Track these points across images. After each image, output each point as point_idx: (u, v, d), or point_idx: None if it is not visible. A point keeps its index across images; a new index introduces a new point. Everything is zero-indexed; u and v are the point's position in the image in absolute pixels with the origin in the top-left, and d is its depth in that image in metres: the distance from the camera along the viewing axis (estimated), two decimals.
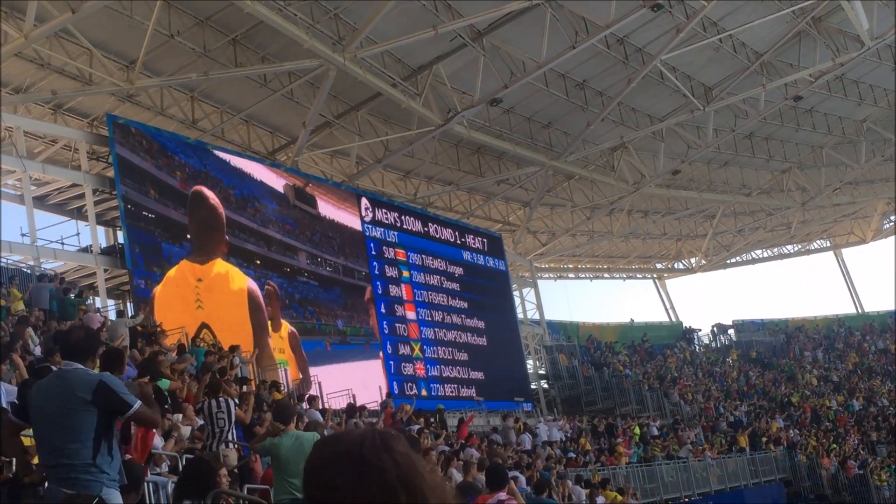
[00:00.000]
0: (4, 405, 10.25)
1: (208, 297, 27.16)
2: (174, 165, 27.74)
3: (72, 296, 22.23)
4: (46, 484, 6.15)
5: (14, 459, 8.05)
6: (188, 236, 27.53)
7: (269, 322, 28.85)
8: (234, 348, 22.04)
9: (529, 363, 44.57)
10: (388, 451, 2.15)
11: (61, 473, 5.88)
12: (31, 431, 6.38)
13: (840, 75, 40.82)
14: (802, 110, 44.00)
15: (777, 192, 51.41)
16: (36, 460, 7.12)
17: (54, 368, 8.56)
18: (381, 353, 32.85)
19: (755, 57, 37.54)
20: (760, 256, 63.86)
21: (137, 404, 6.19)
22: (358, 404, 24.87)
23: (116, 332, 18.58)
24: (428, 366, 34.84)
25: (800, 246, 64.13)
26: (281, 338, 29.18)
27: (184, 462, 11.00)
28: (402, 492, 2.10)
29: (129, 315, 22.95)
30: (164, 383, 13.41)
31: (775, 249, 63.52)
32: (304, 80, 31.42)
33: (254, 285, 28.71)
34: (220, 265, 27.90)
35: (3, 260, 23.63)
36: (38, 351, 14.80)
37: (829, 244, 64.63)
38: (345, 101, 34.36)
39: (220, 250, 28.22)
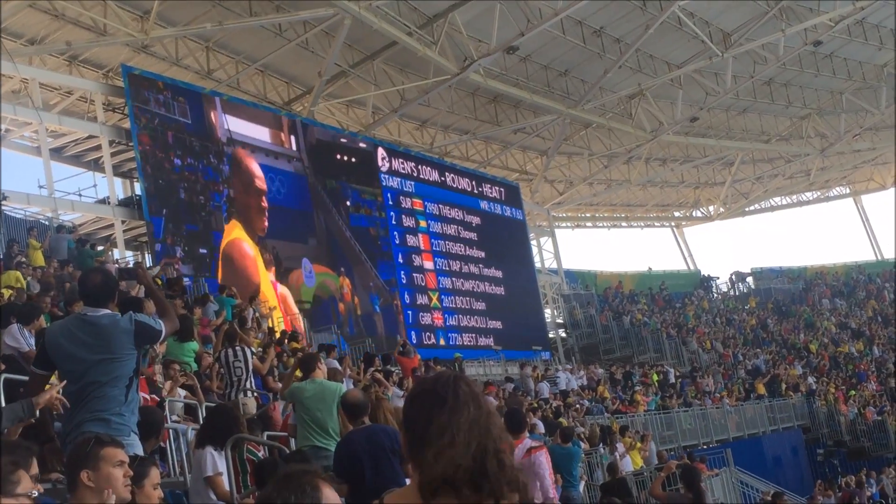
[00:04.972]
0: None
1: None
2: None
3: (89, 247, 22.28)
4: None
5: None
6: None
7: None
8: (252, 298, 22.06)
9: (547, 312, 44.63)
10: (453, 386, 2.75)
11: (93, 412, 5.84)
12: (54, 379, 6.34)
13: (860, 19, 40.34)
14: (822, 55, 43.55)
15: (796, 138, 51.04)
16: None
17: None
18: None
19: (774, 2, 37.10)
20: (779, 204, 63.46)
21: (162, 324, 6.22)
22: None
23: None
24: (446, 315, 34.89)
25: (819, 193, 63.66)
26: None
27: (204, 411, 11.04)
28: (454, 416, 2.68)
29: (148, 265, 22.96)
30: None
31: (794, 196, 63.13)
32: (319, 29, 31.23)
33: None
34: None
35: (21, 212, 23.71)
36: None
37: (848, 191, 64.18)
38: (360, 50, 34.17)
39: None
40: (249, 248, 28.11)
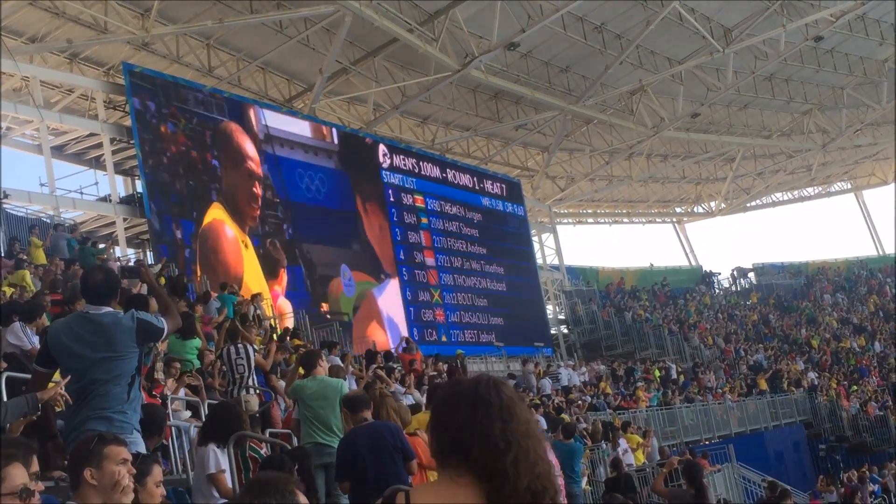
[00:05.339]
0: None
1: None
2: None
3: (90, 245, 22.29)
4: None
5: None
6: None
7: None
8: (255, 296, 22.10)
9: (549, 308, 44.65)
10: (496, 390, 2.73)
11: (96, 410, 5.84)
12: (57, 376, 6.34)
13: (861, 15, 40.31)
14: (823, 51, 43.53)
15: (797, 134, 51.02)
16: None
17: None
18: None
19: None
20: (780, 199, 63.49)
21: (164, 322, 6.23)
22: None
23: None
24: (447, 312, 34.91)
25: (820, 188, 63.68)
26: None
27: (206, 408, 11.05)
28: (497, 419, 2.67)
29: (150, 263, 22.98)
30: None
31: (795, 192, 63.12)
32: (320, 26, 31.24)
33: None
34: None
35: (23, 210, 23.72)
36: None
37: (849, 186, 64.13)
38: (361, 47, 34.16)
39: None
40: (231, 230, 27.91)
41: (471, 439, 2.65)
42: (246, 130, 28.90)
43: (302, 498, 3.06)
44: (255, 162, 28.93)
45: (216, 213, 27.40)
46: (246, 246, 28.00)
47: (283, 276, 28.97)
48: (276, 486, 3.03)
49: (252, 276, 27.56)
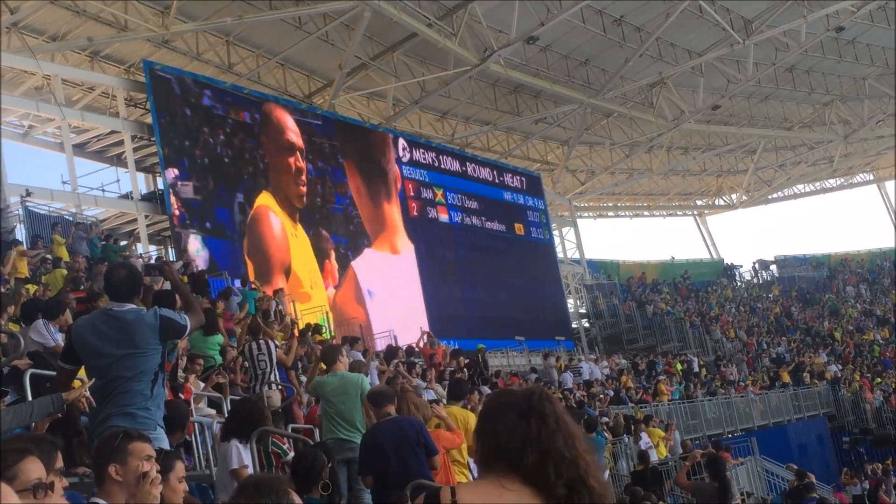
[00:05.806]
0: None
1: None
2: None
3: (112, 242, 22.38)
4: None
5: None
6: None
7: None
8: (276, 292, 22.15)
9: (570, 302, 44.59)
10: (549, 402, 2.81)
11: (119, 407, 5.87)
12: (82, 374, 6.38)
13: (882, 5, 39.95)
14: (844, 41, 43.24)
15: (819, 125, 50.76)
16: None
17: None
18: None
19: None
20: (802, 191, 63.19)
21: (187, 319, 6.25)
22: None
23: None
24: (468, 306, 34.89)
25: (842, 180, 63.31)
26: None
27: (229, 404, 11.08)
28: (558, 431, 2.75)
29: (173, 260, 23.06)
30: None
31: (817, 184, 62.80)
32: (338, 21, 31.27)
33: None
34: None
35: (45, 208, 23.84)
36: None
37: (872, 177, 63.78)
38: (380, 42, 34.17)
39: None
40: (276, 218, 28.31)
41: (522, 449, 2.73)
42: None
43: (296, 498, 3.06)
44: (294, 133, 29.56)
45: (264, 200, 28.03)
46: (295, 236, 28.59)
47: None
48: (271, 486, 3.04)
49: (301, 265, 28.29)
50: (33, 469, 3.61)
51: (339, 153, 31.59)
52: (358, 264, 31.01)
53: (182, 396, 10.25)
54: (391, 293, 31.64)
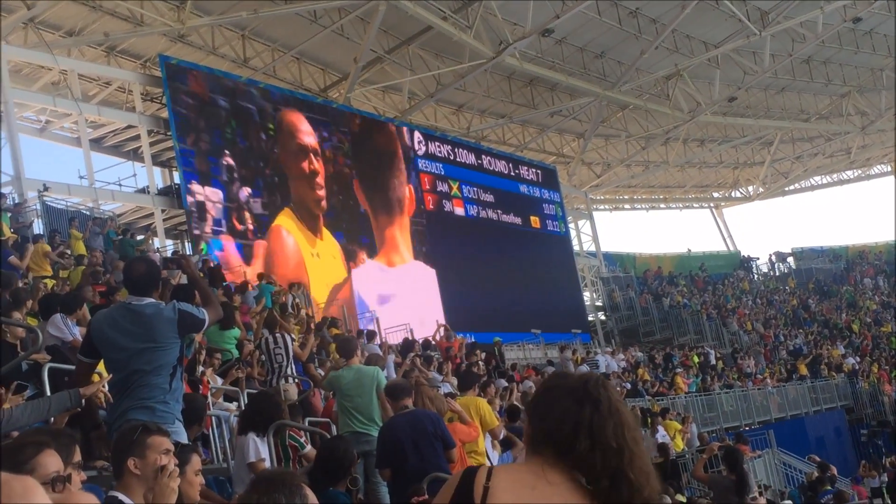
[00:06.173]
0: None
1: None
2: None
3: (129, 237, 22.43)
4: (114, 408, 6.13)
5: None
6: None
7: None
8: (292, 285, 22.16)
9: (586, 295, 44.53)
10: (605, 388, 2.73)
11: (138, 400, 5.89)
12: (101, 368, 6.40)
13: None
14: (861, 32, 43.03)
15: (836, 116, 50.53)
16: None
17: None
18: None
19: None
20: (819, 183, 62.96)
21: (205, 313, 6.27)
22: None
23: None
24: (484, 298, 34.85)
25: (860, 171, 62.99)
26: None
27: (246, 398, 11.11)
28: (609, 418, 2.66)
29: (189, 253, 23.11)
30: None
31: (835, 175, 62.55)
32: (354, 15, 31.28)
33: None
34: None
35: (62, 202, 23.92)
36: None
37: (889, 169, 63.39)
38: (395, 35, 34.16)
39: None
40: (288, 235, 28.23)
41: (573, 435, 2.65)
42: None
43: (310, 494, 3.04)
44: (308, 134, 29.64)
45: (282, 221, 28.07)
46: (316, 255, 28.69)
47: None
48: (284, 481, 3.01)
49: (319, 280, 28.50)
50: (51, 462, 3.62)
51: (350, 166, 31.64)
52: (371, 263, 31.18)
53: (200, 390, 10.29)
54: (408, 287, 31.67)
